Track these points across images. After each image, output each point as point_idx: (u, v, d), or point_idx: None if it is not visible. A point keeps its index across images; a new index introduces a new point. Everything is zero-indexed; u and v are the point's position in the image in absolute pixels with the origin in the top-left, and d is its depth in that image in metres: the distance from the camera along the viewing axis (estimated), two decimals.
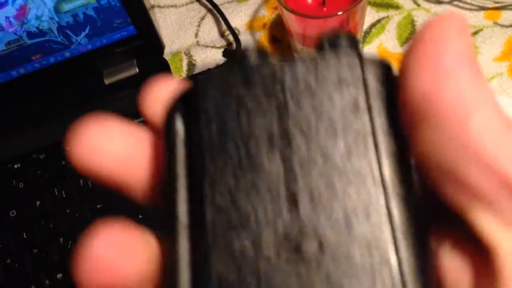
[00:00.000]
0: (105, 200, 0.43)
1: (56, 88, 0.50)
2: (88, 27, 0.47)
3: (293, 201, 0.14)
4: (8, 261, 0.43)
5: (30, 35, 0.46)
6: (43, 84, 0.50)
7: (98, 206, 0.43)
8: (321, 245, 0.14)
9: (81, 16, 0.46)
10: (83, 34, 0.47)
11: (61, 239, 0.43)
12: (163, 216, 0.15)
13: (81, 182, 0.45)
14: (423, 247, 0.15)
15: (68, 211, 0.43)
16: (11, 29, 0.46)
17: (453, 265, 0.15)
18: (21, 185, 0.45)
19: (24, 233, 0.43)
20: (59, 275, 0.42)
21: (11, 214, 0.44)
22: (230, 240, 0.14)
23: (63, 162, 0.45)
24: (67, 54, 0.48)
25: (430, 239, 0.15)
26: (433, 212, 0.15)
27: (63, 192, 0.44)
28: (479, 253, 0.14)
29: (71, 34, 0.47)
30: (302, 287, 0.14)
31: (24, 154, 0.46)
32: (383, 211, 0.14)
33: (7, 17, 0.45)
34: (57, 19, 0.46)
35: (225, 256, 0.14)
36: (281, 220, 0.14)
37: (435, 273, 0.15)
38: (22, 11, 0.45)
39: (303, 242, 0.14)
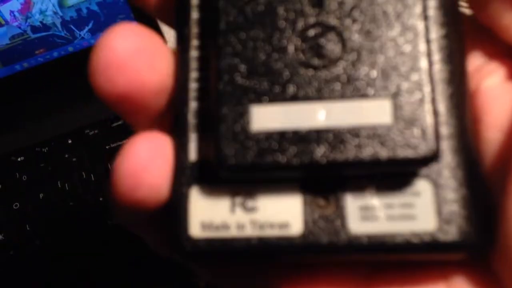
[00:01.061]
0: (108, 192, 0.44)
1: (59, 82, 0.51)
2: (92, 22, 0.47)
3: (318, 2, 0.13)
4: (11, 253, 0.43)
5: (34, 29, 0.47)
6: (46, 78, 0.50)
7: (100, 199, 0.44)
8: (344, 46, 0.13)
9: (85, 11, 0.46)
10: (87, 29, 0.48)
11: (64, 232, 0.43)
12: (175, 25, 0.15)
13: (84, 175, 0.45)
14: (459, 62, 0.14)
15: (71, 203, 0.44)
16: (15, 23, 0.46)
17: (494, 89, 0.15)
18: (24, 177, 0.46)
19: (27, 225, 0.44)
20: (63, 267, 0.42)
21: (14, 207, 0.45)
22: (245, 32, 0.13)
23: (66, 155, 0.46)
24: (71, 48, 0.49)
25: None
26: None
27: (66, 185, 0.45)
28: None
29: (74, 29, 0.47)
30: (319, 88, 0.13)
31: (27, 147, 0.47)
32: (421, 24, 0.13)
33: (11, 11, 0.45)
34: (61, 13, 0.46)
35: (237, 48, 0.13)
36: (303, 18, 0.13)
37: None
38: (27, 5, 0.46)
39: (324, 41, 0.13)
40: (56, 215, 0.44)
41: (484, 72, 0.15)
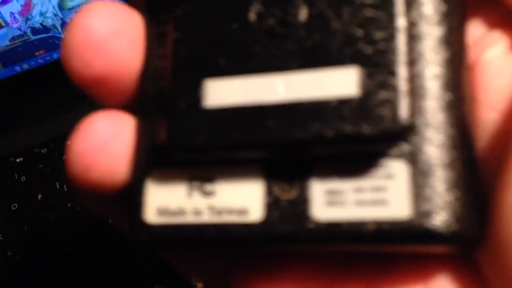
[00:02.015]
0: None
1: (59, 84, 0.51)
2: None
3: None
4: (9, 254, 0.44)
5: (34, 31, 0.47)
6: (46, 80, 0.50)
7: None
8: (310, 10, 0.12)
9: None
10: None
11: (62, 233, 0.44)
12: None
13: None
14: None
15: (69, 204, 0.44)
16: (15, 25, 0.46)
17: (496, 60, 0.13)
18: (23, 178, 0.46)
19: (25, 226, 0.44)
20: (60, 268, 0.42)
21: (13, 207, 0.45)
22: (204, 1, 0.12)
23: (65, 157, 0.46)
24: None
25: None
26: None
27: (65, 186, 0.45)
28: None
29: None
30: (280, 59, 0.12)
31: (26, 148, 0.47)
32: None
33: (11, 13, 0.46)
34: (61, 15, 0.46)
35: (194, 19, 0.12)
36: None
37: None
38: (27, 7, 0.46)
39: (290, 8, 0.12)
40: (54, 216, 0.44)
41: (484, 42, 0.13)
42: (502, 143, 0.12)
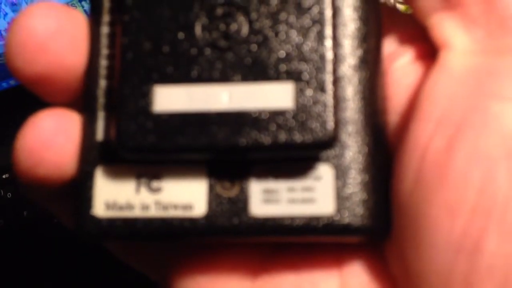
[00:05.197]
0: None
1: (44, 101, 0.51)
2: None
3: None
4: None
5: None
6: (32, 96, 0.50)
7: None
8: (251, 28, 0.13)
9: None
10: None
11: (49, 249, 0.43)
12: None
13: None
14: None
15: (55, 220, 0.44)
16: (2, 42, 0.47)
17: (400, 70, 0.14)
18: (9, 195, 0.46)
19: (11, 242, 0.44)
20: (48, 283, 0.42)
21: None
22: (151, 8, 0.13)
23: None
24: None
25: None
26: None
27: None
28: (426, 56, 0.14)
29: None
30: (223, 70, 0.13)
31: (12, 164, 0.47)
32: (328, 8, 0.13)
33: None
34: None
35: (143, 25, 0.13)
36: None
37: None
38: None
39: (231, 21, 0.13)
40: (40, 232, 0.44)
41: (394, 55, 0.15)
42: (396, 141, 0.14)
